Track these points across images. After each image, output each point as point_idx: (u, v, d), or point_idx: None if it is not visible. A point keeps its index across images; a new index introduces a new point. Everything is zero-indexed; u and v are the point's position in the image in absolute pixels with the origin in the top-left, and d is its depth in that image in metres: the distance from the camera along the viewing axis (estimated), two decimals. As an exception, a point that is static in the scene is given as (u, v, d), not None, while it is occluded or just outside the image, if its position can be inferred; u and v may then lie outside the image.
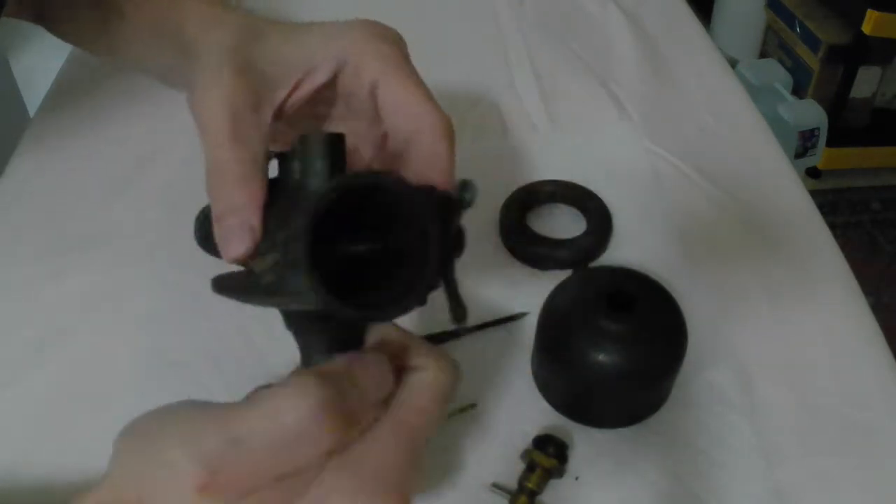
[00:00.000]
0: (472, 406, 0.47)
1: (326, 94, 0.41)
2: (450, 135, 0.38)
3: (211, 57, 0.41)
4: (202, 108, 0.39)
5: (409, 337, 0.32)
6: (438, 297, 0.53)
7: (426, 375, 0.30)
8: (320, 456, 0.24)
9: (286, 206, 0.34)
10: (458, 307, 0.35)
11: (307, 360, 0.33)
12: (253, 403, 0.25)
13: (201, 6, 0.45)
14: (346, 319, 0.29)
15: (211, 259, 0.56)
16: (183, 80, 0.45)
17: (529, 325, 0.49)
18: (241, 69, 0.40)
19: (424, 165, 0.37)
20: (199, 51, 0.43)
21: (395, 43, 0.41)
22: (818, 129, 1.82)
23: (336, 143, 0.34)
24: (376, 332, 0.32)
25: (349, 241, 0.32)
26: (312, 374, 0.25)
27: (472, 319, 0.51)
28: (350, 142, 0.36)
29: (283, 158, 0.36)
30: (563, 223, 0.58)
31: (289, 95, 0.41)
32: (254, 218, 0.36)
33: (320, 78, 0.41)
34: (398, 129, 0.39)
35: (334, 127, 0.43)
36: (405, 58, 0.41)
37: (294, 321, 0.34)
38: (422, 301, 0.30)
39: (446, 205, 0.34)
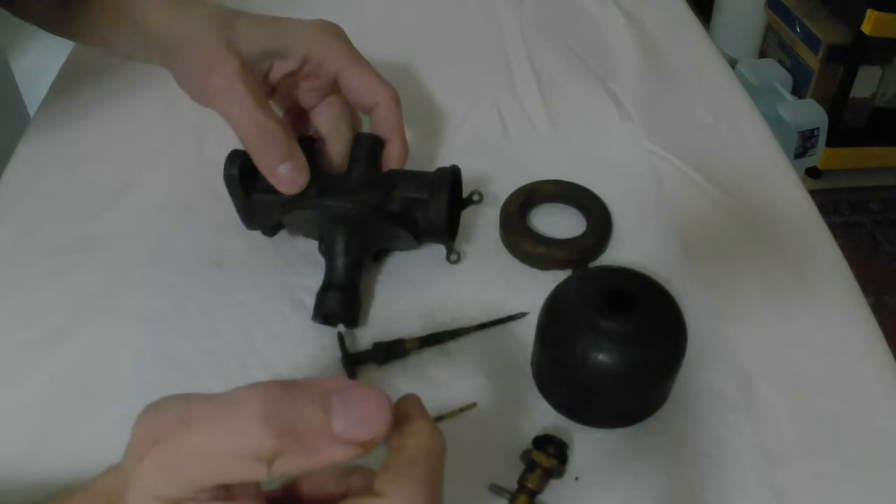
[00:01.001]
0: (472, 406, 0.47)
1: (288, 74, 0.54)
2: (398, 101, 0.54)
3: (198, 43, 0.50)
4: (221, 88, 0.49)
5: (414, 446, 0.26)
6: (438, 299, 0.53)
7: None
8: (255, 457, 0.23)
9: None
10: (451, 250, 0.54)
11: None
12: (220, 393, 0.24)
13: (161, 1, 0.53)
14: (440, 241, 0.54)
15: (211, 258, 0.56)
16: (148, 59, 0.55)
17: (529, 325, 0.49)
18: (232, 48, 0.50)
19: (384, 128, 0.54)
20: (174, 41, 0.51)
21: (344, 39, 0.54)
22: (818, 129, 1.82)
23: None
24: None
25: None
26: (279, 382, 0.24)
27: (472, 319, 0.51)
28: (303, 96, 0.55)
29: None
30: (563, 223, 0.58)
31: (265, 75, 0.52)
32: (303, 160, 0.50)
33: (290, 66, 0.53)
34: (362, 103, 0.55)
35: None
36: (354, 49, 0.54)
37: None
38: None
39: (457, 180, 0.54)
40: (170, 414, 0.24)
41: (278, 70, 0.53)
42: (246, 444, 0.23)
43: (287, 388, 0.23)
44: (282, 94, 0.56)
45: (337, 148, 0.55)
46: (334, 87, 0.55)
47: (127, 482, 0.25)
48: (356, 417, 0.23)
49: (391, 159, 0.54)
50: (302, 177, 0.49)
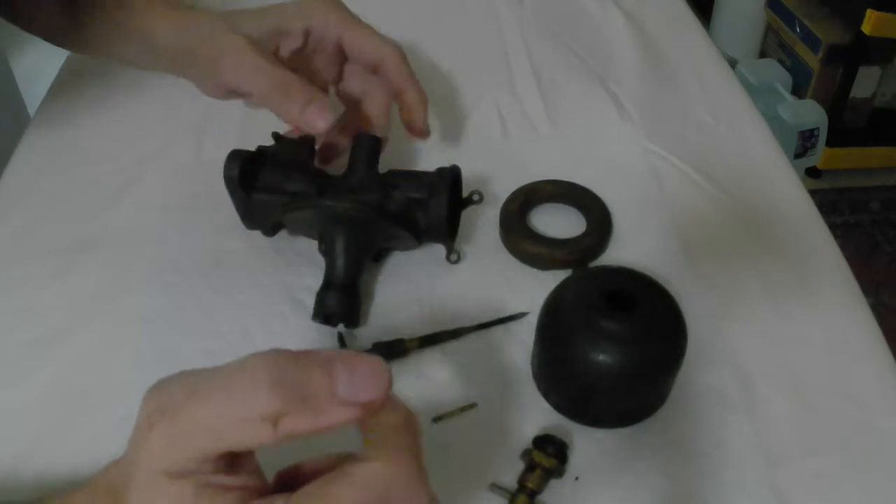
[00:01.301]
0: (472, 406, 0.47)
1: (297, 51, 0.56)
2: (403, 55, 0.56)
3: (203, 43, 0.52)
4: (233, 66, 0.51)
5: (398, 419, 0.27)
6: (438, 299, 0.53)
7: (368, 470, 0.25)
8: (261, 418, 0.23)
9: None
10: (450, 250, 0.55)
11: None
12: (227, 364, 0.25)
13: (164, 11, 0.55)
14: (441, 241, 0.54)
15: (210, 259, 0.56)
16: (155, 67, 0.58)
17: (529, 325, 0.49)
18: (236, 32, 0.51)
19: (396, 80, 0.55)
20: (181, 49, 0.53)
21: (342, 7, 0.56)
22: (818, 129, 1.82)
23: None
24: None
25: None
26: (285, 350, 0.25)
27: (472, 319, 0.51)
28: (319, 71, 0.57)
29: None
30: (563, 223, 0.58)
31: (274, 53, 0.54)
32: (327, 100, 0.50)
33: (295, 44, 0.54)
34: (367, 62, 0.56)
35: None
36: (352, 14, 0.56)
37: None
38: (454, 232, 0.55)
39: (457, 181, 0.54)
40: (177, 387, 0.25)
41: (285, 48, 0.54)
42: (253, 410, 0.23)
43: (292, 355, 0.25)
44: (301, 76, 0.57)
45: (375, 104, 0.57)
46: (345, 56, 0.56)
47: (131, 464, 0.25)
48: (358, 381, 0.24)
49: (411, 108, 0.56)
50: (330, 113, 0.50)
